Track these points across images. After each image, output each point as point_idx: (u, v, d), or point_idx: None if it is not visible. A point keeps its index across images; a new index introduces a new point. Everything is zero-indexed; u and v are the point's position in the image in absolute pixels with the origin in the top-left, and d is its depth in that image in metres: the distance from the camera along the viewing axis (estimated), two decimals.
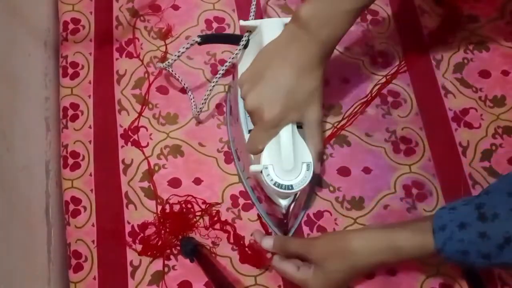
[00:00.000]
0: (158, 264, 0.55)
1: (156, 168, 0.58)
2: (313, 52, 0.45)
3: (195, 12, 0.66)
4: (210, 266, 0.50)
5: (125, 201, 0.57)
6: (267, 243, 0.52)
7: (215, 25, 0.65)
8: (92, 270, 0.55)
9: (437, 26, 0.64)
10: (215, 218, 0.56)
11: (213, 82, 0.56)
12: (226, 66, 0.56)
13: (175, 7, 0.66)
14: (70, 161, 0.59)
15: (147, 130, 0.60)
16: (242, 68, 0.50)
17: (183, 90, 0.62)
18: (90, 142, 0.60)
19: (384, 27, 0.66)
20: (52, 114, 0.63)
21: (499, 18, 0.63)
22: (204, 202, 0.57)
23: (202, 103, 0.57)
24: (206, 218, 0.56)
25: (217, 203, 0.57)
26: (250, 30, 0.54)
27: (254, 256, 0.54)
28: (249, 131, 0.51)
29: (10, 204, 0.50)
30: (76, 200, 0.58)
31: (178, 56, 0.56)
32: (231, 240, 0.55)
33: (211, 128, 0.60)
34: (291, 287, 0.53)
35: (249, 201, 0.57)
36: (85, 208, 0.57)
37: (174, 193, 0.57)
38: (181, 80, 0.61)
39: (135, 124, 0.60)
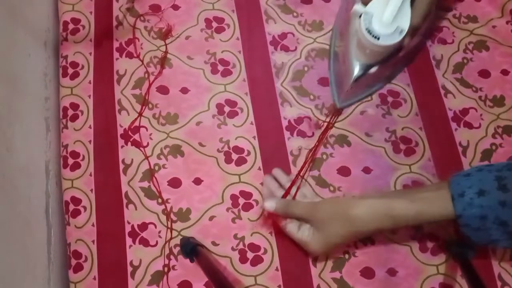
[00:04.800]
0: (158, 264, 0.55)
1: (156, 168, 0.58)
2: None
3: (195, 12, 0.66)
4: (210, 266, 0.50)
5: (125, 201, 0.57)
6: (270, 205, 0.52)
7: (214, 24, 0.65)
8: (92, 270, 0.55)
9: (437, 26, 0.64)
10: None
11: None
12: None
13: (175, 7, 0.66)
14: (70, 161, 0.59)
15: (147, 130, 0.60)
16: None
17: (183, 90, 0.62)
18: (90, 142, 0.60)
19: None
20: (52, 114, 0.63)
21: (499, 18, 0.63)
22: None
23: None
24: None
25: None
26: None
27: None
28: None
29: (10, 204, 0.50)
30: (76, 200, 0.58)
31: None
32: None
33: (211, 128, 0.60)
34: (291, 285, 0.53)
35: (249, 201, 0.57)
36: (85, 208, 0.57)
37: (174, 193, 0.57)
38: None
39: (135, 124, 0.60)
